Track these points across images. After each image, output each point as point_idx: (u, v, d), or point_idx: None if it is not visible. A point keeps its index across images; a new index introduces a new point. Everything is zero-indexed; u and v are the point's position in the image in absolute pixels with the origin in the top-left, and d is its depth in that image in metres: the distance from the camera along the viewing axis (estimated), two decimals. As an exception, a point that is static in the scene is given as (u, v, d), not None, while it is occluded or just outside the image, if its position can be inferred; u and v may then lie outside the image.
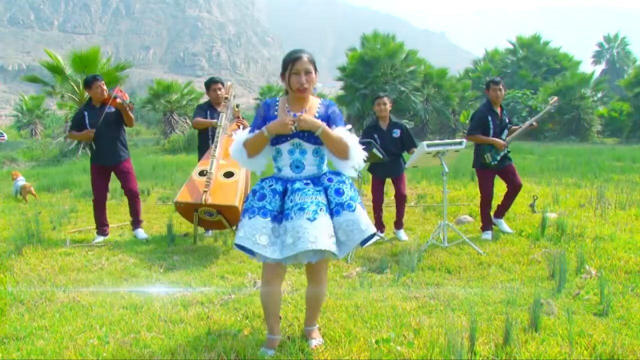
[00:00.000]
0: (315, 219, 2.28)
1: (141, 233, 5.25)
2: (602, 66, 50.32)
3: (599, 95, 30.87)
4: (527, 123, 5.09)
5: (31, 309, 3.14)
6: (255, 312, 3.03)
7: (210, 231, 5.31)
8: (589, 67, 45.61)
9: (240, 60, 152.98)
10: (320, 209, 2.32)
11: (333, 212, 2.37)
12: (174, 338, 2.66)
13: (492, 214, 5.16)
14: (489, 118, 4.98)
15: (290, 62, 2.40)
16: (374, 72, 24.16)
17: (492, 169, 5.00)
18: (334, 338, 2.64)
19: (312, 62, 2.43)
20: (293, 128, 2.36)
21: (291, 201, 2.35)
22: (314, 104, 2.49)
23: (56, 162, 15.82)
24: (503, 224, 5.18)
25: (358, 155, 2.45)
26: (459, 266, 4.02)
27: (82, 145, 16.56)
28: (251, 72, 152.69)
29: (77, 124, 5.12)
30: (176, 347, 2.52)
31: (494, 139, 4.92)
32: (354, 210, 2.36)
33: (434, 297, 3.30)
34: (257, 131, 2.46)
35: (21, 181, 8.16)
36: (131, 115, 5.03)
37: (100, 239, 5.11)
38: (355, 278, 3.79)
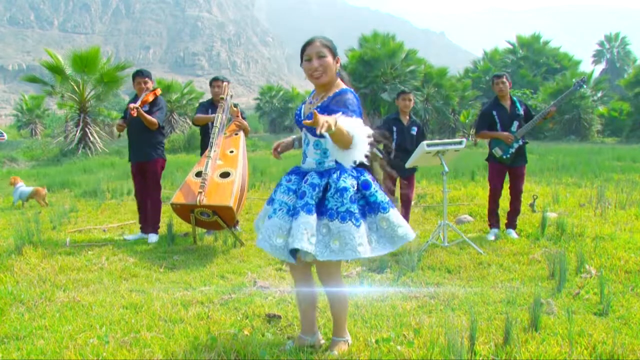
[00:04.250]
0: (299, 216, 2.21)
1: (152, 237, 5.14)
2: (602, 66, 50.27)
3: (599, 95, 30.85)
4: (542, 112, 4.99)
5: (31, 309, 3.14)
6: (256, 311, 3.03)
7: (210, 231, 5.31)
8: (589, 67, 45.59)
9: (240, 60, 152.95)
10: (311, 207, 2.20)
11: (327, 215, 2.21)
12: (174, 338, 2.65)
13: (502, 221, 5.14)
14: (494, 112, 4.98)
15: (303, 48, 2.32)
16: (374, 71, 24.16)
17: (504, 163, 4.98)
18: (334, 338, 2.63)
19: (327, 46, 2.28)
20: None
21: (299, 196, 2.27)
22: (332, 94, 2.31)
23: (56, 161, 15.80)
24: (512, 234, 5.01)
25: (361, 149, 2.15)
26: (459, 266, 4.02)
27: (82, 145, 16.54)
28: (251, 72, 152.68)
29: (123, 114, 5.38)
30: (176, 347, 2.52)
31: (499, 132, 4.92)
32: (358, 225, 2.19)
33: (434, 296, 3.30)
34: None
35: (23, 187, 7.42)
36: (149, 118, 4.96)
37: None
38: (355, 278, 3.79)
